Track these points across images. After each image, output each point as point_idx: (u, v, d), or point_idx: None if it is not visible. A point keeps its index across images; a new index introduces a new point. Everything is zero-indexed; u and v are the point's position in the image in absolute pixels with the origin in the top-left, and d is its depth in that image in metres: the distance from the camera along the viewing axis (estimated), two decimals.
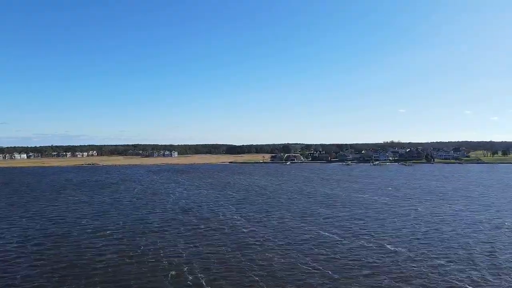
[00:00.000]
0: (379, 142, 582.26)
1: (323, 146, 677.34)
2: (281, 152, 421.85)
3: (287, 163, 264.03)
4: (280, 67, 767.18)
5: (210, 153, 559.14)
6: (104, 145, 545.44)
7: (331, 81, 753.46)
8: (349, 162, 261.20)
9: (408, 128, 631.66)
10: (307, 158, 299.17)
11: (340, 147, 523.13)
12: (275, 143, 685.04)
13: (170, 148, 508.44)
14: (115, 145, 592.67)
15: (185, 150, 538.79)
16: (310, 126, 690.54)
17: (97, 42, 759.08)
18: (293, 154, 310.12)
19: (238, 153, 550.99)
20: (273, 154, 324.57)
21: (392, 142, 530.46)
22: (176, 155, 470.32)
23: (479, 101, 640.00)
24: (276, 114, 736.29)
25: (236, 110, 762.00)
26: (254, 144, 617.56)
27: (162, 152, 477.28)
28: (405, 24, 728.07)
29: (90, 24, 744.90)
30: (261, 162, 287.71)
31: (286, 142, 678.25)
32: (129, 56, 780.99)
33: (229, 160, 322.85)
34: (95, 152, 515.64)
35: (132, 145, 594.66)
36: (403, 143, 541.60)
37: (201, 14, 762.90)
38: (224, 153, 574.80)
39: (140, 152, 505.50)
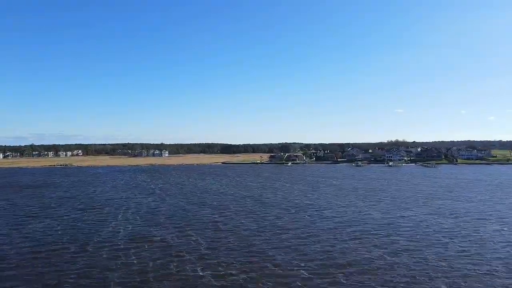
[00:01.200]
0: (383, 141, 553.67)
1: (323, 145, 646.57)
2: (280, 152, 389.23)
3: (288, 164, 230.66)
4: (278, 67, 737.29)
5: (204, 153, 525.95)
6: (91, 144, 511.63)
7: (329, 81, 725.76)
8: (360, 162, 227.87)
9: (404, 128, 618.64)
10: (310, 158, 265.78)
11: (342, 146, 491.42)
12: (273, 143, 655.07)
13: (161, 147, 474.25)
14: (103, 144, 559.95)
15: (177, 149, 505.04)
16: (307, 126, 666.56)
17: (97, 43, 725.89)
18: (294, 154, 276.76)
19: (234, 152, 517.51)
20: (272, 154, 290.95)
21: (397, 141, 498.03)
22: (167, 155, 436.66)
23: (475, 101, 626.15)
24: (274, 114, 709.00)
25: (234, 110, 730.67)
26: (251, 143, 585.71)
27: (152, 151, 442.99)
28: (401, 25, 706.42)
29: (86, 25, 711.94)
30: (258, 163, 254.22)
31: (284, 142, 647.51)
32: (127, 56, 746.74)
33: (222, 160, 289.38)
34: (80, 151, 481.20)
35: (122, 144, 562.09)
36: (408, 142, 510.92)
37: (198, 14, 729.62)
38: (219, 153, 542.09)
39: (129, 151, 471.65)
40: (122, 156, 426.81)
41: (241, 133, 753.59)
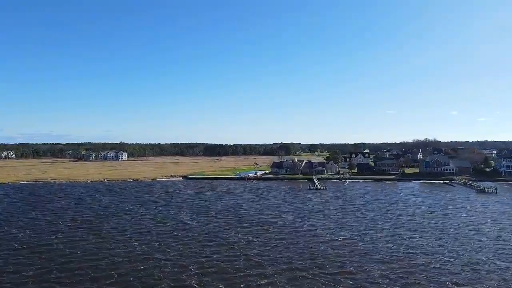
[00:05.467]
0: (407, 141, 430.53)
1: (327, 146, 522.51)
2: (280, 153, 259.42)
3: (315, 185, 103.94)
4: (272, 66, 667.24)
5: (182, 154, 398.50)
6: (29, 144, 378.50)
7: (325, 81, 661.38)
8: (471, 181, 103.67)
9: (396, 128, 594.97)
10: (350, 167, 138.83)
11: (357, 147, 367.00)
12: (267, 143, 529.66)
13: (120, 148, 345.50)
14: (55, 144, 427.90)
15: (144, 150, 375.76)
16: (303, 126, 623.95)
17: (92, 42, 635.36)
18: (319, 161, 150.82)
19: (219, 154, 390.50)
20: (275, 160, 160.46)
21: (426, 140, 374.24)
22: (124, 158, 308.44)
23: (466, 101, 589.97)
24: (266, 114, 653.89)
25: (225, 109, 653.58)
26: (242, 143, 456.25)
27: (104, 153, 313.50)
28: (394, 25, 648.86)
29: (78, 25, 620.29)
30: (251, 179, 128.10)
31: (281, 142, 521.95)
32: (123, 56, 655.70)
33: (189, 171, 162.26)
34: (12, 153, 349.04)
35: (77, 143, 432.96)
36: (440, 142, 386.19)
37: (191, 14, 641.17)
38: (202, 155, 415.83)
39: (82, 153, 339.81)
40: (63, 160, 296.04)
41: (232, 133, 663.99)
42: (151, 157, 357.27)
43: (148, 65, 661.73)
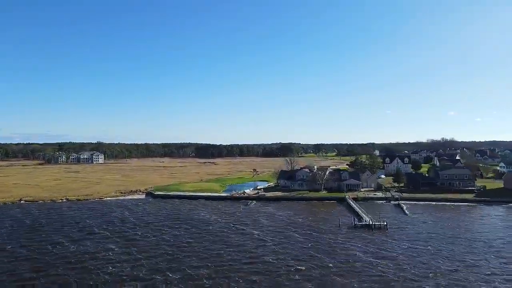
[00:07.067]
0: (421, 141, 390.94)
1: (333, 146, 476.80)
2: (290, 156, 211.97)
3: (364, 220, 57.38)
4: (272, 66, 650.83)
5: (171, 156, 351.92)
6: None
7: (325, 80, 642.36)
8: None
9: (396, 128, 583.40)
10: (397, 179, 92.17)
11: (366, 148, 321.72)
12: (266, 143, 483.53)
13: (97, 148, 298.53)
14: (29, 144, 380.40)
15: (128, 151, 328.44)
16: (301, 126, 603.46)
17: (91, 42, 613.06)
18: (349, 169, 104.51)
19: (213, 156, 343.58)
20: (281, 164, 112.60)
21: (443, 140, 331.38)
22: (101, 160, 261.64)
23: (464, 102, 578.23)
24: (266, 114, 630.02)
25: (230, 110, 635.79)
26: (239, 143, 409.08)
27: (77, 155, 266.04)
28: (390, 26, 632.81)
29: (75, 25, 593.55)
30: (248, 198, 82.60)
31: (279, 142, 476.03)
32: (122, 56, 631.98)
33: (155, 184, 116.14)
34: None
35: (57, 143, 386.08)
36: (456, 142, 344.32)
37: (191, 14, 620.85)
38: (194, 156, 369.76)
39: (54, 155, 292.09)
40: (26, 163, 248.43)
41: (230, 133, 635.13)
42: (134, 159, 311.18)
43: (148, 65, 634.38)
